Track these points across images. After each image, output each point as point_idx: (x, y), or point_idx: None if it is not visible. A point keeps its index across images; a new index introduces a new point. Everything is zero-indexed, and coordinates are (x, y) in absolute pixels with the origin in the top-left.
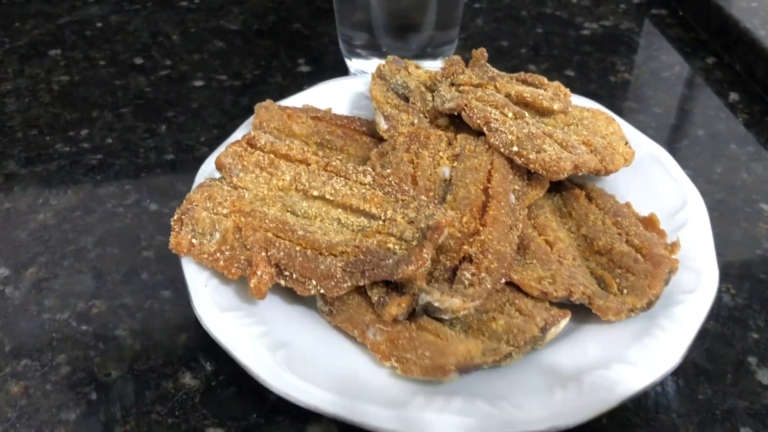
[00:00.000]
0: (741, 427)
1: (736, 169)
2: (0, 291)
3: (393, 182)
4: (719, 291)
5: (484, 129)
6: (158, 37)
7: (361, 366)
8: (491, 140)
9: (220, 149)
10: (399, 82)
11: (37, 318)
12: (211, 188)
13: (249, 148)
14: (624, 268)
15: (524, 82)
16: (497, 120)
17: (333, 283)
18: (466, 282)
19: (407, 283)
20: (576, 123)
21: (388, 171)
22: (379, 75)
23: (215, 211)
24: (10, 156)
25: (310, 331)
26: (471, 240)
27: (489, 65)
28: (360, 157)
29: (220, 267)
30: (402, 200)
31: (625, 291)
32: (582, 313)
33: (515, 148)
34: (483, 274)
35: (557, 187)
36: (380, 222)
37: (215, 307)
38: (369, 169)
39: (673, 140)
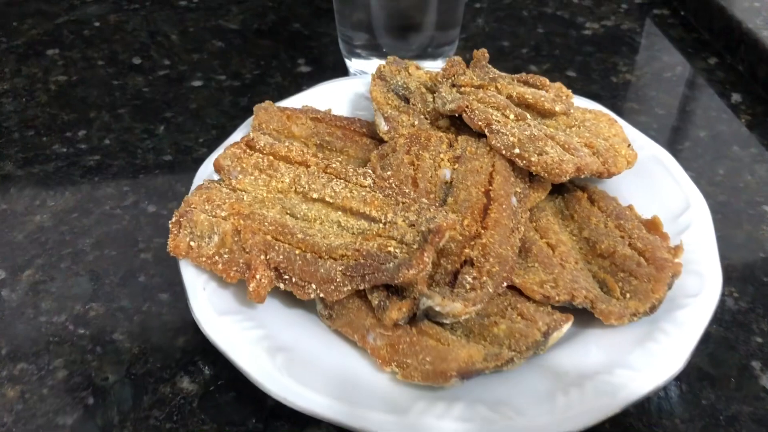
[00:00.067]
0: None
1: (739, 171)
2: None
3: (393, 184)
4: (722, 294)
5: (486, 131)
6: (157, 36)
7: (361, 371)
8: (492, 142)
9: (219, 150)
10: (399, 83)
11: (33, 321)
12: (209, 190)
13: (248, 150)
14: (627, 272)
15: (526, 83)
16: (499, 122)
17: (333, 287)
18: (468, 286)
19: (408, 287)
20: (578, 125)
21: (389, 173)
22: (380, 76)
23: (214, 213)
24: (7, 157)
25: (309, 336)
26: (472, 243)
27: (490, 66)
28: (360, 159)
29: (218, 270)
30: (402, 203)
31: (628, 295)
32: (584, 317)
33: (517, 150)
34: (484, 278)
35: (559, 190)
36: (381, 225)
37: (214, 311)
38: (369, 171)
39: (674, 141)
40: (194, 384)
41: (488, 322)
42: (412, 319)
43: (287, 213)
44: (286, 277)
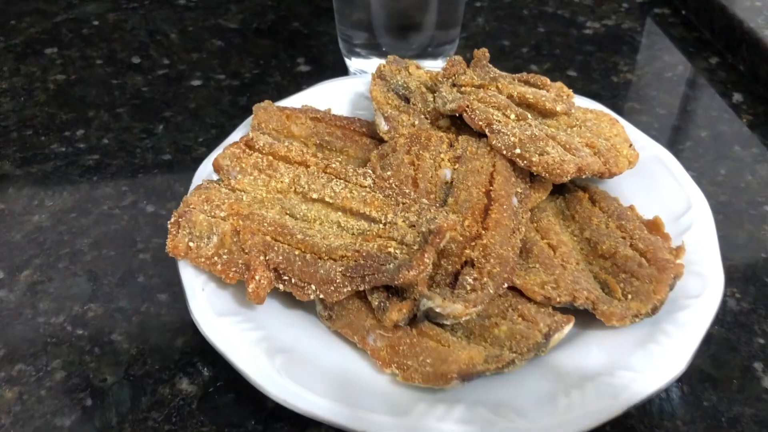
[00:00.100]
0: None
1: (740, 171)
2: None
3: (393, 185)
4: (724, 295)
5: (486, 131)
6: (156, 35)
7: (361, 372)
8: (493, 142)
9: (218, 150)
10: (400, 83)
11: (31, 322)
12: (208, 190)
13: (247, 150)
14: (628, 273)
15: (526, 82)
16: (499, 121)
17: (332, 288)
18: (468, 287)
19: (408, 288)
20: (579, 125)
21: (389, 173)
22: (380, 75)
23: (213, 213)
24: (5, 156)
25: (309, 337)
26: (473, 244)
27: (491, 65)
28: (360, 159)
29: (217, 271)
30: (403, 203)
31: (629, 296)
32: (586, 318)
33: (518, 150)
34: (485, 279)
35: (560, 190)
36: (381, 225)
37: (213, 312)
38: (369, 171)
39: (675, 141)
40: (193, 385)
41: (489, 324)
42: (413, 321)
43: (287, 213)
44: (286, 277)
